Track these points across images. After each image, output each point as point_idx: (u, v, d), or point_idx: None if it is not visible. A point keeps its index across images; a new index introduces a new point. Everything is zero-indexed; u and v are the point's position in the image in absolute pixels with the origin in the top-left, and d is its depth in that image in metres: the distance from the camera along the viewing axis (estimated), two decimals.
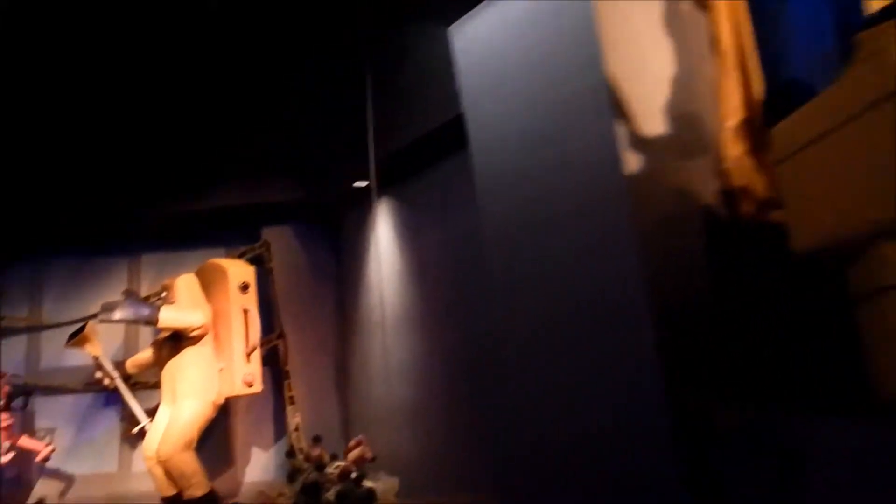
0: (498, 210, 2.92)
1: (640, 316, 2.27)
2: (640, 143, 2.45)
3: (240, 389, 4.65)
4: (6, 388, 4.82)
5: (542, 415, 2.64)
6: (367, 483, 4.10)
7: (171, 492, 4.48)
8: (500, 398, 3.09)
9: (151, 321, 4.30)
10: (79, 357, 5.63)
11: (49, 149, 5.10)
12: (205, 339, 4.60)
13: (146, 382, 5.32)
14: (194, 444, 4.44)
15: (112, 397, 5.59)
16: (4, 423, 4.73)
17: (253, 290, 4.84)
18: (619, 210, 2.38)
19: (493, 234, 2.95)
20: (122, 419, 5.57)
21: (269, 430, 5.43)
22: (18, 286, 5.86)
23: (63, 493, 5.41)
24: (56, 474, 5.35)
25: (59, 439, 5.51)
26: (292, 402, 5.09)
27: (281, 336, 5.16)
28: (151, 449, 4.46)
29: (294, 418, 5.04)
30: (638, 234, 2.32)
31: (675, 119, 2.49)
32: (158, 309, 4.31)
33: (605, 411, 2.38)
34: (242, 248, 5.46)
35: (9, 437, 4.80)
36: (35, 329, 5.73)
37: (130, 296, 4.37)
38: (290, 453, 4.81)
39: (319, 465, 4.17)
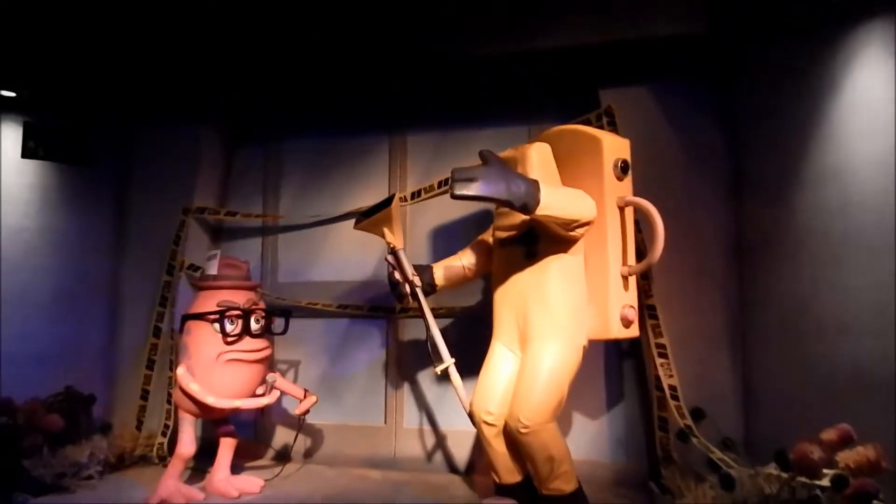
0: None
1: None
2: None
3: (617, 330, 2.90)
4: (262, 305, 3.37)
5: None
6: None
7: (514, 478, 2.89)
8: None
9: (529, 204, 2.55)
10: (328, 268, 4.19)
11: None
12: (577, 246, 2.86)
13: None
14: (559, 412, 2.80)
15: (373, 324, 4.11)
16: (262, 354, 3.30)
17: (629, 175, 3.02)
18: None
19: None
20: (387, 349, 4.08)
21: (598, 389, 3.73)
22: (250, 174, 4.47)
23: (310, 449, 4.05)
24: (299, 422, 3.98)
25: (302, 379, 4.16)
26: (663, 356, 3.31)
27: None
28: (490, 411, 2.84)
29: (668, 379, 3.27)
30: None
31: None
32: (538, 187, 2.55)
33: None
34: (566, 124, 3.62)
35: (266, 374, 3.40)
36: (281, 229, 4.31)
37: (494, 163, 2.53)
38: (683, 436, 3.07)
39: (814, 473, 2.36)
